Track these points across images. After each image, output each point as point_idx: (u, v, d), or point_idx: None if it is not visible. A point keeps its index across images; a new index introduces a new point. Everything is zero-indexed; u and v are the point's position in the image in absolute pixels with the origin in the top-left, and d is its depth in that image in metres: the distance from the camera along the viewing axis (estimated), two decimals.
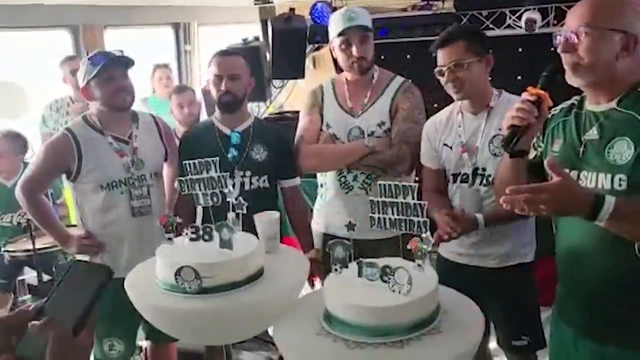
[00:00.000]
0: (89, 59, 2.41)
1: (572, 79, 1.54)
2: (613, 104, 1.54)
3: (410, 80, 2.51)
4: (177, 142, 2.65)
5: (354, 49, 2.39)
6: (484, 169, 2.15)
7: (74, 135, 2.39)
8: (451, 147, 2.22)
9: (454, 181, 2.23)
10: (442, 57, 2.11)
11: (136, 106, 2.60)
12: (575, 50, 1.50)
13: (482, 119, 2.16)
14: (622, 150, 1.47)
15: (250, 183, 2.42)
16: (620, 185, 1.47)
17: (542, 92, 1.51)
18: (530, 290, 2.25)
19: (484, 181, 2.15)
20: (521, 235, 2.19)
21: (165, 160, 2.61)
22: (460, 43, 2.08)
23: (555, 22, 3.99)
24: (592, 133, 1.55)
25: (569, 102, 1.68)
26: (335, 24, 2.43)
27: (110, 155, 2.41)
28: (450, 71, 2.08)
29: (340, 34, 2.40)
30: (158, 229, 2.27)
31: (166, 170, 2.65)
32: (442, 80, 2.13)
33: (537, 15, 4.02)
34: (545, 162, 1.44)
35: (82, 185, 2.42)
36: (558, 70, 1.53)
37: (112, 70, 2.37)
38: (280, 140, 2.52)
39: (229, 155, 2.42)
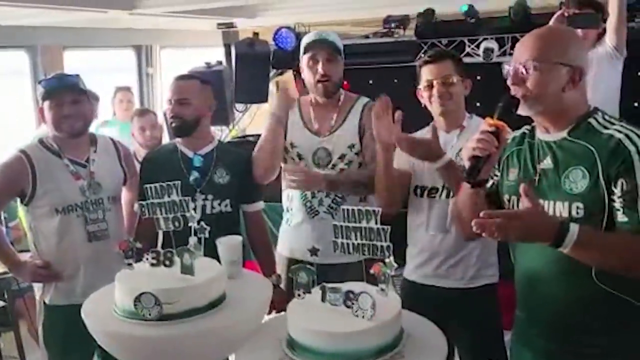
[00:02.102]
0: (39, 82, 2.38)
1: (521, 109, 1.59)
2: (564, 134, 1.59)
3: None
4: (138, 165, 2.61)
5: (319, 66, 2.40)
6: None
7: (28, 157, 2.33)
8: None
9: (421, 195, 2.27)
10: (430, 72, 2.21)
11: (96, 129, 2.57)
12: (524, 82, 1.56)
13: (454, 136, 2.25)
14: (577, 179, 1.52)
15: (212, 207, 2.39)
16: (577, 213, 1.51)
17: (500, 122, 1.56)
18: (495, 314, 2.28)
19: (451, 193, 2.21)
20: (486, 255, 2.24)
21: (124, 184, 2.57)
22: (449, 62, 2.22)
23: (511, 51, 4.11)
24: (547, 162, 1.60)
25: (520, 131, 1.73)
26: (305, 42, 2.47)
27: (66, 178, 2.35)
28: (440, 84, 2.19)
29: (308, 50, 2.42)
30: (115, 254, 2.21)
31: (125, 195, 2.60)
32: (426, 95, 2.23)
33: (494, 45, 4.16)
34: (520, 188, 1.49)
35: (36, 209, 2.35)
36: (512, 101, 1.58)
37: (60, 96, 2.32)
38: (243, 164, 2.50)
39: (191, 178, 2.39)
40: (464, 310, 2.21)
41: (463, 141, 2.18)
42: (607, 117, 1.59)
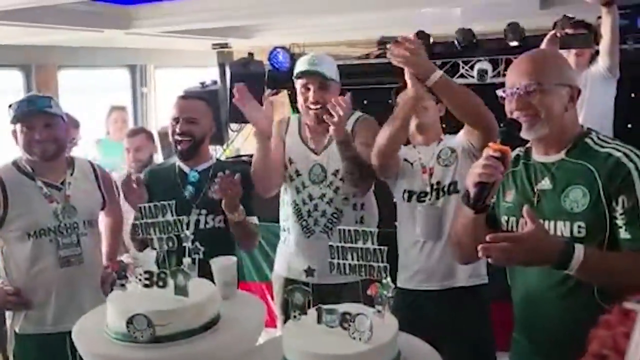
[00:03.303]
0: (9, 106, 2.30)
1: (528, 133, 1.59)
2: (562, 155, 1.59)
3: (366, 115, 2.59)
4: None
5: (310, 94, 2.42)
6: (439, 183, 2.28)
7: (0, 180, 2.27)
8: (412, 164, 2.33)
9: (409, 199, 2.30)
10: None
11: (89, 148, 2.54)
12: (531, 105, 1.56)
13: (434, 146, 2.34)
14: (578, 199, 1.52)
15: (206, 222, 2.37)
16: (579, 232, 1.51)
17: (504, 147, 1.55)
18: (488, 333, 2.28)
19: (441, 193, 2.26)
20: None
21: (103, 208, 2.52)
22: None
23: (505, 72, 4.16)
24: (545, 183, 1.60)
25: (514, 153, 1.72)
26: (298, 67, 2.48)
27: (39, 201, 2.27)
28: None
29: (299, 77, 2.45)
30: (89, 280, 2.19)
31: (104, 219, 2.55)
32: None
33: (488, 66, 4.19)
34: (523, 211, 1.48)
35: (8, 233, 2.27)
36: (514, 124, 1.58)
37: (30, 120, 2.25)
38: (241, 181, 2.48)
39: (186, 193, 2.37)
40: (455, 312, 2.22)
41: (444, 146, 2.31)
42: (601, 137, 1.61)
